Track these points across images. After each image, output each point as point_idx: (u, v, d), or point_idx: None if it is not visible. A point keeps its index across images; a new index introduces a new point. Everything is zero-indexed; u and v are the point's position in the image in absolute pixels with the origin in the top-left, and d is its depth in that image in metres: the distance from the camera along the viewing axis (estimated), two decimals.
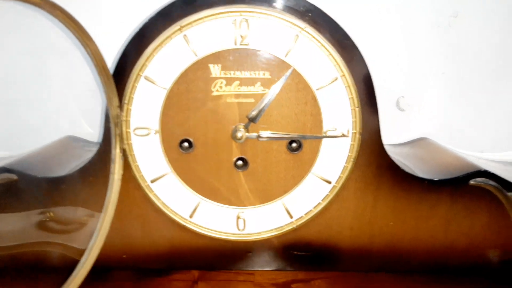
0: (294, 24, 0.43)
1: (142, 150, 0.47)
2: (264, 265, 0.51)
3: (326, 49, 0.44)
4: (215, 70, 0.45)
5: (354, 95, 0.45)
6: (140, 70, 0.44)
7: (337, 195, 0.48)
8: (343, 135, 0.46)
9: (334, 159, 0.47)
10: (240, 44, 0.44)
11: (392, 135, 0.63)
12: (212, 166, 0.47)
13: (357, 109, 0.45)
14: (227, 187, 0.48)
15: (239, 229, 0.49)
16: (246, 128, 0.46)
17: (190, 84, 0.45)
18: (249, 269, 0.51)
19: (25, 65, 0.53)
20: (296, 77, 0.45)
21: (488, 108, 0.64)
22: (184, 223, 0.49)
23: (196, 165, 0.47)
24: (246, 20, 0.43)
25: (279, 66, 0.44)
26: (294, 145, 0.47)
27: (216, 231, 0.49)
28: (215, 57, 0.44)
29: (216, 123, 0.46)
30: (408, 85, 0.62)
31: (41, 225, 0.49)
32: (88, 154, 0.51)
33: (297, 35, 0.43)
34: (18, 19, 0.47)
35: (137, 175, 0.47)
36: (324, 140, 0.47)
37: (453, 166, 0.52)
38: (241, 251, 0.51)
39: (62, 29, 0.37)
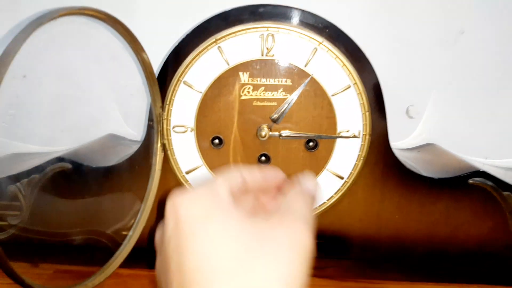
0: (313, 39, 0.49)
1: (180, 145, 0.53)
2: None
3: (341, 60, 0.50)
4: (244, 77, 0.51)
5: (365, 101, 0.51)
6: (180, 76, 0.51)
7: (349, 189, 0.54)
8: (355, 136, 0.52)
9: (346, 157, 0.53)
10: (266, 55, 0.50)
11: (402, 140, 0.69)
12: (239, 161, 0.54)
13: (367, 113, 0.51)
14: None
15: None
16: (269, 128, 0.52)
17: (222, 89, 0.51)
18: None
19: (88, 69, 0.62)
20: (314, 84, 0.51)
21: (493, 117, 0.68)
22: None
23: (225, 160, 0.54)
24: (272, 35, 0.50)
25: (299, 74, 0.51)
26: (311, 144, 0.53)
27: None
28: (244, 66, 0.51)
29: (243, 123, 0.52)
30: (417, 95, 0.68)
31: (90, 212, 0.56)
32: (130, 150, 0.58)
33: (315, 48, 0.50)
34: (87, 30, 0.55)
35: (175, 167, 0.54)
36: (337, 140, 0.53)
37: (455, 167, 0.57)
38: None
39: (119, 39, 0.44)
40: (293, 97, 0.51)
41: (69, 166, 0.54)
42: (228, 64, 0.51)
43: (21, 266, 0.55)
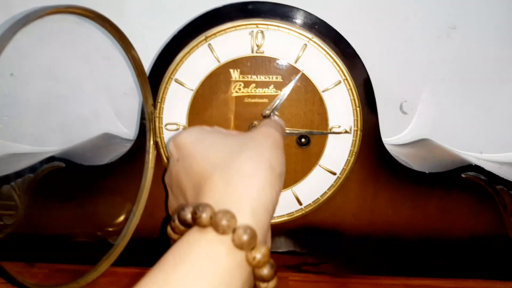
0: (303, 35, 0.50)
1: None
2: (277, 248, 0.57)
3: (330, 56, 0.50)
4: (234, 74, 0.51)
5: (355, 96, 0.51)
6: (171, 74, 0.51)
7: (341, 185, 0.54)
8: (346, 132, 0.53)
9: (338, 153, 0.53)
10: (256, 52, 0.50)
11: (396, 136, 0.69)
12: None
13: (358, 109, 0.52)
14: None
15: None
16: None
17: (213, 86, 0.52)
18: None
19: (78, 67, 0.62)
20: (305, 80, 0.51)
21: (486, 112, 0.68)
22: None
23: None
24: (262, 32, 0.50)
25: (289, 71, 0.51)
26: (303, 140, 0.53)
27: None
28: (235, 63, 0.51)
29: (235, 120, 0.52)
30: (410, 90, 0.68)
31: (85, 207, 0.56)
32: (124, 148, 0.58)
33: (305, 44, 0.50)
34: (75, 29, 0.56)
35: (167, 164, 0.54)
36: (329, 136, 0.53)
37: (449, 162, 0.57)
38: None
39: (109, 37, 0.45)
40: (285, 92, 0.51)
41: (63, 165, 0.54)
42: (219, 62, 0.51)
43: (17, 265, 0.56)
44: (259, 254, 0.28)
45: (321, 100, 0.52)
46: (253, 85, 0.52)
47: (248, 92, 0.52)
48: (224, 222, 0.27)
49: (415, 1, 0.64)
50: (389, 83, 0.67)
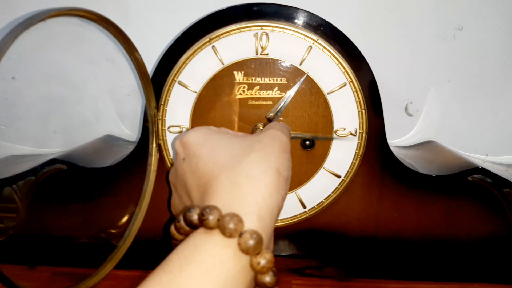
0: (308, 37, 0.49)
1: None
2: (280, 251, 0.57)
3: (336, 58, 0.50)
4: (238, 76, 0.51)
5: (361, 98, 0.50)
6: (175, 76, 0.51)
7: (346, 188, 0.53)
8: (351, 134, 0.52)
9: (343, 155, 0.52)
10: (261, 54, 0.50)
11: (401, 138, 0.69)
12: None
13: (363, 111, 0.51)
14: None
15: None
16: (264, 126, 0.52)
17: (217, 88, 0.51)
18: None
19: (81, 70, 0.62)
20: (309, 82, 0.51)
21: (492, 114, 0.68)
22: None
23: None
24: (266, 34, 0.49)
25: (294, 73, 0.50)
26: (307, 143, 0.53)
27: None
28: (239, 65, 0.50)
29: (239, 122, 0.52)
30: (415, 92, 0.67)
31: (87, 210, 0.56)
32: (126, 150, 0.58)
33: (310, 46, 0.49)
34: (79, 31, 0.55)
35: (170, 167, 0.54)
36: (334, 138, 0.53)
37: (455, 165, 0.56)
38: None
39: (112, 40, 0.44)
40: (290, 94, 0.51)
41: (65, 167, 0.54)
42: (223, 64, 0.50)
43: (18, 268, 0.55)
44: (263, 260, 0.28)
45: (326, 102, 0.51)
46: (257, 87, 0.51)
47: (252, 94, 0.51)
48: (231, 226, 0.27)
49: (421, 3, 0.63)
50: (395, 85, 0.66)
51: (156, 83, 0.51)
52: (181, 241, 0.30)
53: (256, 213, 0.30)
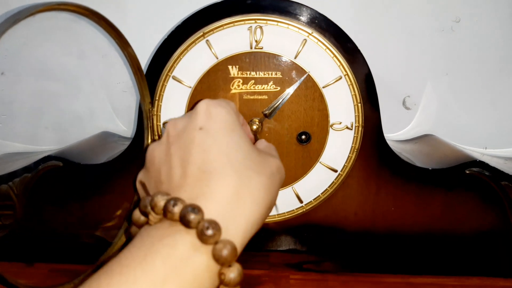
0: (302, 30, 0.49)
1: None
2: (277, 246, 0.56)
3: (331, 51, 0.49)
4: (233, 70, 0.51)
5: (357, 92, 0.50)
6: (169, 71, 0.50)
7: (343, 182, 0.53)
8: (347, 128, 0.52)
9: (339, 149, 0.52)
10: (255, 48, 0.50)
11: (399, 132, 0.68)
12: None
13: (359, 104, 0.51)
14: None
15: None
16: (261, 122, 0.52)
17: (212, 83, 0.51)
18: (264, 249, 0.56)
19: (72, 66, 0.61)
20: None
21: (490, 107, 0.67)
22: None
23: None
24: (260, 27, 0.49)
25: (289, 66, 0.50)
26: (303, 137, 0.52)
27: None
28: (233, 59, 0.50)
29: None
30: (413, 85, 0.67)
31: (84, 207, 0.56)
32: (122, 147, 0.57)
33: (305, 39, 0.49)
34: (69, 26, 0.55)
35: None
36: (330, 132, 0.52)
37: (452, 158, 0.56)
38: (256, 233, 0.56)
39: (104, 35, 0.44)
40: (288, 92, 0.50)
41: (60, 164, 0.54)
42: (217, 58, 0.50)
43: (15, 265, 0.55)
44: (233, 273, 0.28)
45: (321, 96, 0.51)
46: (252, 81, 0.51)
47: (247, 89, 0.51)
48: (209, 232, 0.27)
49: None
50: (392, 78, 0.66)
51: (150, 78, 0.51)
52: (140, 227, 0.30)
53: (242, 235, 0.30)
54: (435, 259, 0.54)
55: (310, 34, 0.49)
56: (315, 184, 0.53)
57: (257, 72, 0.50)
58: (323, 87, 0.50)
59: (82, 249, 0.55)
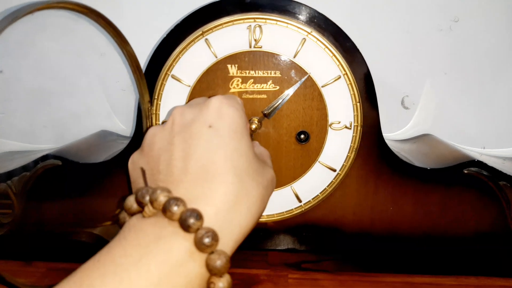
0: (301, 29, 0.49)
1: None
2: (276, 245, 0.56)
3: (330, 50, 0.49)
4: (232, 69, 0.51)
5: (355, 91, 0.50)
6: (168, 70, 0.50)
7: (341, 182, 0.53)
8: (346, 128, 0.52)
9: (338, 149, 0.52)
10: (254, 47, 0.50)
11: (397, 131, 0.68)
12: None
13: (358, 104, 0.51)
14: None
15: None
16: (260, 121, 0.52)
17: (211, 82, 0.51)
18: (262, 248, 0.56)
19: (70, 64, 0.61)
20: (303, 75, 0.50)
21: (489, 106, 0.67)
22: None
23: None
24: (259, 26, 0.49)
25: (288, 66, 0.50)
26: (302, 136, 0.52)
27: None
28: (232, 58, 0.50)
29: None
30: (411, 85, 0.67)
31: (83, 206, 0.56)
32: (121, 146, 0.57)
33: (304, 38, 0.49)
34: (67, 24, 0.54)
35: None
36: (329, 132, 0.52)
37: (451, 158, 0.56)
38: (255, 232, 0.56)
39: (103, 33, 0.44)
40: (288, 93, 0.50)
41: (59, 163, 0.53)
42: (216, 57, 0.50)
43: (14, 264, 0.55)
44: (222, 283, 0.28)
45: (320, 96, 0.51)
46: (251, 80, 0.51)
47: (246, 88, 0.51)
48: (207, 241, 0.27)
49: None
50: (390, 77, 0.66)
51: (149, 77, 0.51)
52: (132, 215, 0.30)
53: (234, 238, 0.30)
54: (434, 259, 0.54)
55: (309, 33, 0.49)
56: (314, 183, 0.53)
57: (256, 71, 0.50)
58: (322, 86, 0.50)
59: (80, 248, 0.55)
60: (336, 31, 0.50)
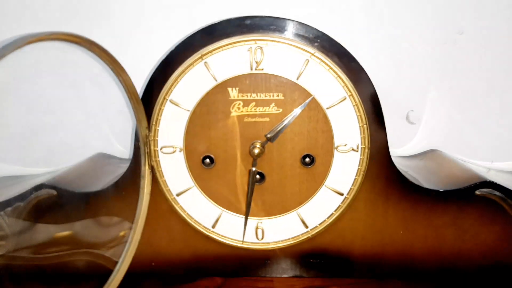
0: (304, 50, 0.47)
1: (168, 166, 0.51)
2: (282, 272, 0.54)
3: (334, 71, 0.47)
4: (233, 92, 0.49)
5: (362, 113, 0.48)
6: (166, 94, 0.48)
7: (349, 206, 0.51)
8: (353, 150, 0.50)
9: (345, 172, 0.50)
10: (256, 69, 0.48)
11: (403, 147, 0.67)
12: (232, 180, 0.51)
13: (365, 126, 0.49)
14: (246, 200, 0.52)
15: (258, 238, 0.53)
16: (263, 145, 0.50)
17: (211, 106, 0.49)
18: (268, 276, 0.54)
19: (65, 94, 0.59)
20: (308, 97, 0.48)
21: (495, 120, 0.66)
22: (207, 233, 0.52)
23: (217, 180, 0.51)
24: (261, 48, 0.47)
25: (291, 88, 0.48)
26: (307, 160, 0.50)
27: (237, 240, 0.53)
28: (233, 81, 0.48)
29: (235, 141, 0.50)
30: (416, 99, 0.65)
31: (77, 236, 0.53)
32: (119, 170, 0.55)
33: (307, 59, 0.47)
34: (60, 55, 0.53)
35: (164, 189, 0.51)
36: (336, 154, 0.50)
37: (460, 177, 0.54)
38: (261, 259, 0.54)
39: (98, 61, 0.42)
40: (293, 114, 0.49)
41: (54, 192, 0.51)
42: (216, 80, 0.48)
43: None
44: None
45: (325, 118, 0.49)
46: (253, 103, 0.49)
47: (248, 111, 0.49)
48: None
49: (420, 8, 0.61)
50: (395, 92, 0.64)
51: (147, 102, 0.49)
52: None
53: None
54: (447, 282, 0.52)
55: (312, 54, 0.47)
56: (320, 208, 0.51)
57: (258, 94, 0.48)
58: (327, 108, 0.48)
59: (79, 280, 0.53)
60: (340, 51, 0.48)
